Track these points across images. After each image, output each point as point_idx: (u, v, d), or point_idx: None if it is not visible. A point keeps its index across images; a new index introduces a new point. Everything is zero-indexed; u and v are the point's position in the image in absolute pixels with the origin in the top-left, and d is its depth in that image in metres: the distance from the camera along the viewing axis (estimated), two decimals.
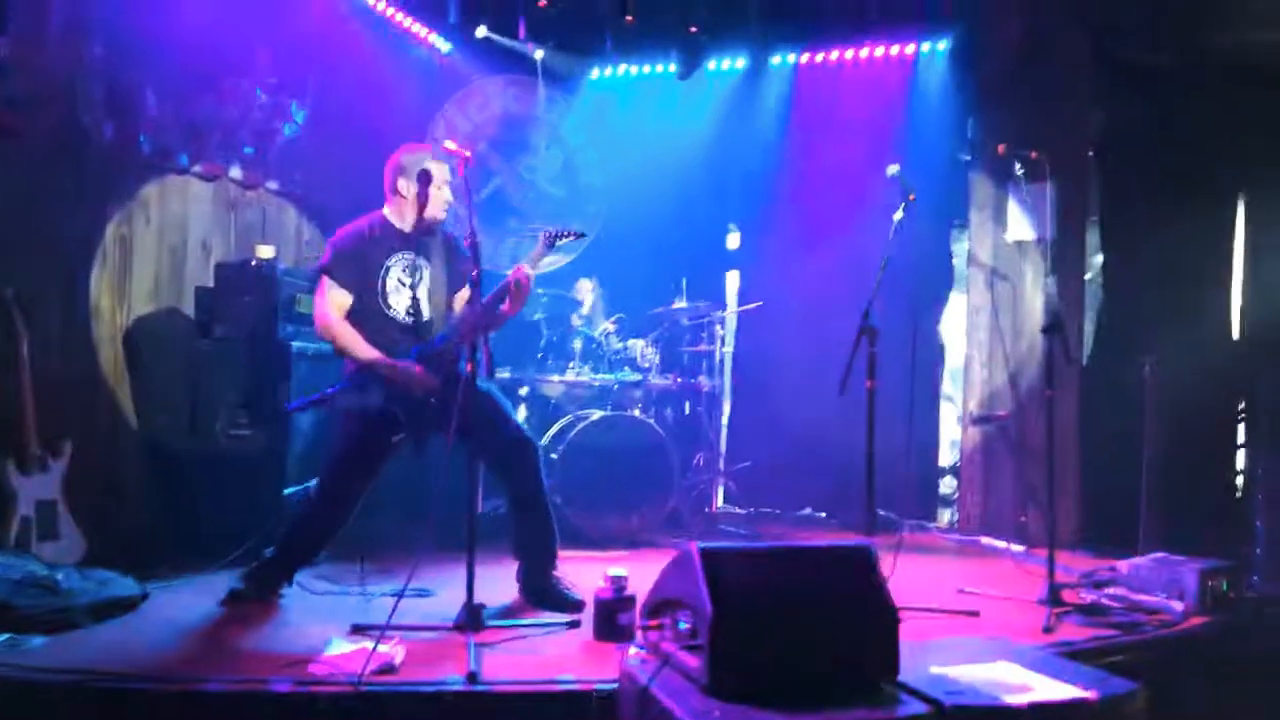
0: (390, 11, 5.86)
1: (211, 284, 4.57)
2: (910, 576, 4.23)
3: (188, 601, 3.49)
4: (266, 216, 5.20)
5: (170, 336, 4.50)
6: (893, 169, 3.76)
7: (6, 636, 2.90)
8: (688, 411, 6.06)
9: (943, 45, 6.04)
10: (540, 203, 6.67)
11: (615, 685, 2.57)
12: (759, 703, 2.19)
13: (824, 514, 6.22)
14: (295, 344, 4.41)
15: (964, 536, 5.56)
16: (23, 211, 3.91)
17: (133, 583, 3.44)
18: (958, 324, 6.04)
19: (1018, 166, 4.26)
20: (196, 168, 4.70)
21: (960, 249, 6.05)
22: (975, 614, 3.63)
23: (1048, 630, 3.35)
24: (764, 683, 2.25)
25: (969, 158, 5.75)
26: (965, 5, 5.73)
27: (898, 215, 3.73)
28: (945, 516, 6.10)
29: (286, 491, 4.19)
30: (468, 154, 3.31)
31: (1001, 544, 5.23)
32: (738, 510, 6.10)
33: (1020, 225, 5.42)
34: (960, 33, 5.90)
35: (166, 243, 4.60)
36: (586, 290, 5.94)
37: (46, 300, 4.02)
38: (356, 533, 4.16)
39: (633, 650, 2.73)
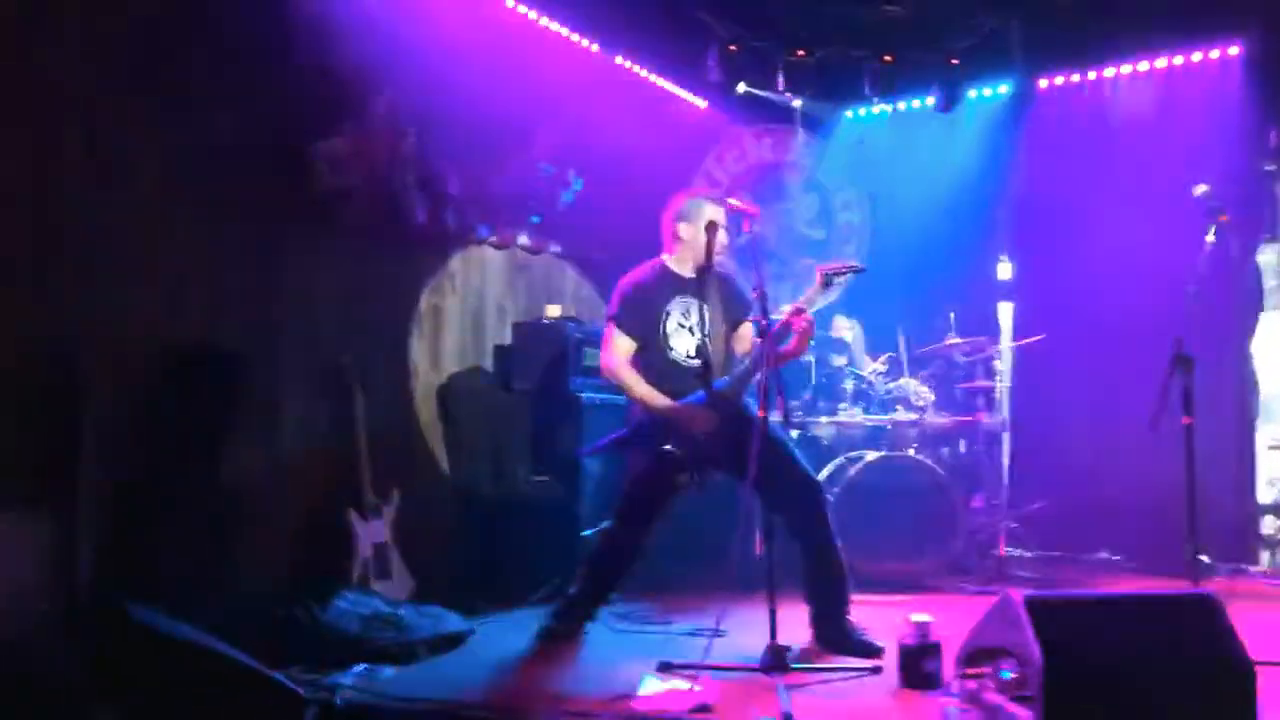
0: (653, 77, 6.18)
1: (508, 342, 4.98)
2: (1238, 626, 3.88)
3: (507, 637, 3.78)
4: (550, 277, 5.61)
5: (475, 392, 4.92)
6: (1200, 189, 3.53)
7: (364, 667, 3.26)
8: (964, 450, 5.86)
9: (1234, 50, 5.58)
10: (799, 245, 6.74)
11: None
12: None
13: (1120, 557, 5.79)
14: (584, 395, 4.71)
15: None
16: (356, 287, 4.45)
17: (460, 619, 3.78)
18: (1271, 347, 5.49)
19: None
20: (492, 238, 5.17)
21: (1269, 265, 5.52)
22: None
23: None
24: None
25: (1273, 167, 5.26)
26: (1255, 6, 5.29)
27: (1210, 237, 3.48)
28: (1269, 559, 5.51)
29: (584, 533, 4.44)
30: (755, 210, 3.42)
31: None
32: (1025, 554, 5.79)
33: None
34: (1255, 35, 5.43)
35: (469, 307, 5.07)
36: (845, 328, 5.91)
37: (375, 364, 4.53)
38: (649, 574, 4.36)
39: (947, 700, 2.70)
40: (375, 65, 4.40)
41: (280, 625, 3.41)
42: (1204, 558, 5.18)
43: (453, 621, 3.72)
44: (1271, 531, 5.59)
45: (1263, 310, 5.59)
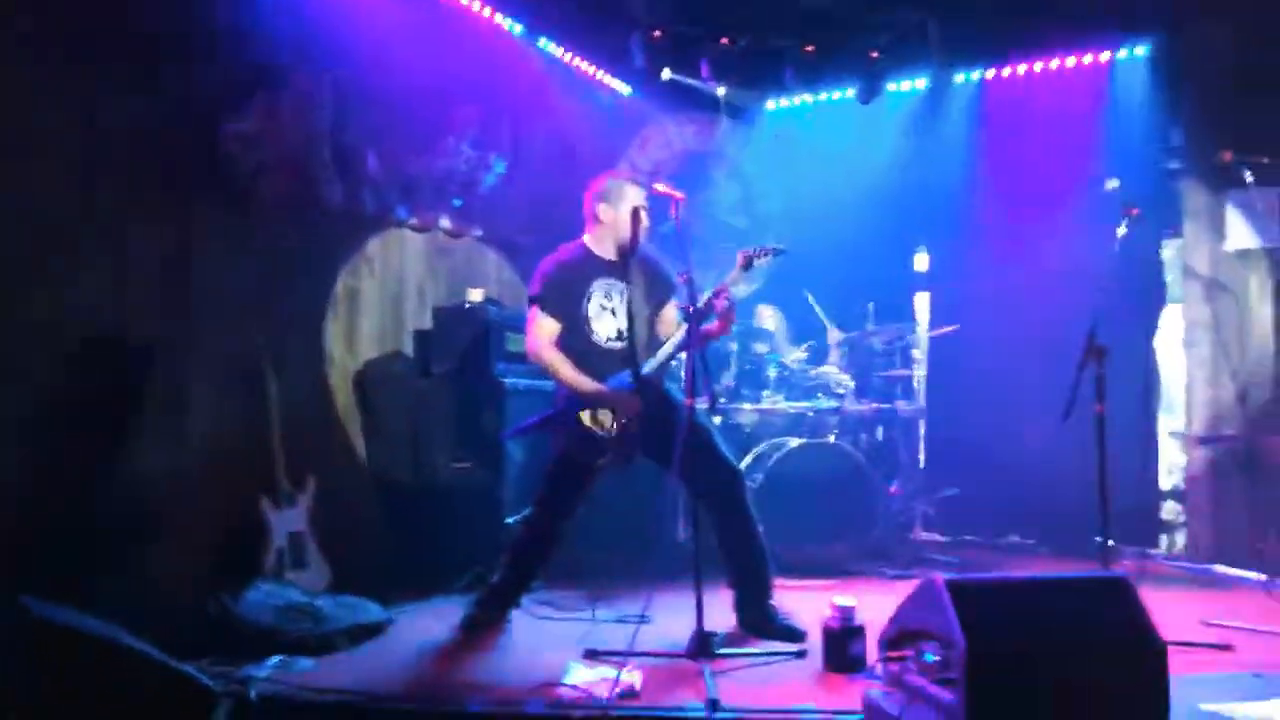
0: (577, 61, 6.11)
1: (429, 327, 4.88)
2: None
3: (428, 626, 3.70)
4: (471, 261, 5.50)
5: (394, 377, 4.80)
6: (1112, 183, 3.67)
7: (279, 659, 3.16)
8: (880, 437, 5.96)
9: (1141, 50, 5.77)
10: (721, 233, 6.76)
11: (859, 717, 2.56)
12: None
13: (1031, 541, 5.98)
14: (507, 380, 4.63)
15: (1193, 565, 5.23)
16: (269, 268, 4.29)
17: (379, 608, 3.68)
18: (1171, 339, 5.72)
19: (1247, 174, 4.01)
20: (412, 220, 5.04)
21: (1171, 261, 5.74)
22: (1229, 648, 3.40)
23: None
24: (1023, 716, 2.20)
25: (1178, 165, 5.46)
26: (1165, 8, 5.47)
27: (1121, 230, 3.59)
28: (1168, 543, 5.75)
29: (507, 520, 4.38)
30: (680, 195, 3.40)
31: (1237, 572, 4.90)
32: (939, 538, 5.94)
33: (1242, 233, 5.09)
34: (1161, 37, 5.62)
35: (388, 291, 4.94)
36: (768, 317, 5.96)
37: (289, 348, 4.37)
38: (572, 561, 4.33)
39: (870, 683, 2.73)
40: (291, 40, 4.26)
41: (191, 617, 3.28)
42: (1109, 541, 5.39)
43: (372, 611, 3.63)
44: (1170, 517, 5.83)
45: (1164, 303, 5.81)
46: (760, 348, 5.58)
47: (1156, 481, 5.83)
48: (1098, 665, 2.24)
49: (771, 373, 5.41)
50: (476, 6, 5.33)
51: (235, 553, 3.88)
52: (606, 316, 3.76)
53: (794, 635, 3.46)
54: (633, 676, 2.91)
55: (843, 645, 3.09)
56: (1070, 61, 5.99)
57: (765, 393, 5.40)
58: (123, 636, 2.48)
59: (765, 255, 3.71)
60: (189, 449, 3.93)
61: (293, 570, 3.98)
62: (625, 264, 3.75)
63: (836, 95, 6.56)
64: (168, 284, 3.86)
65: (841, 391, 5.42)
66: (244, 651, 3.15)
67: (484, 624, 3.70)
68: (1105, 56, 5.90)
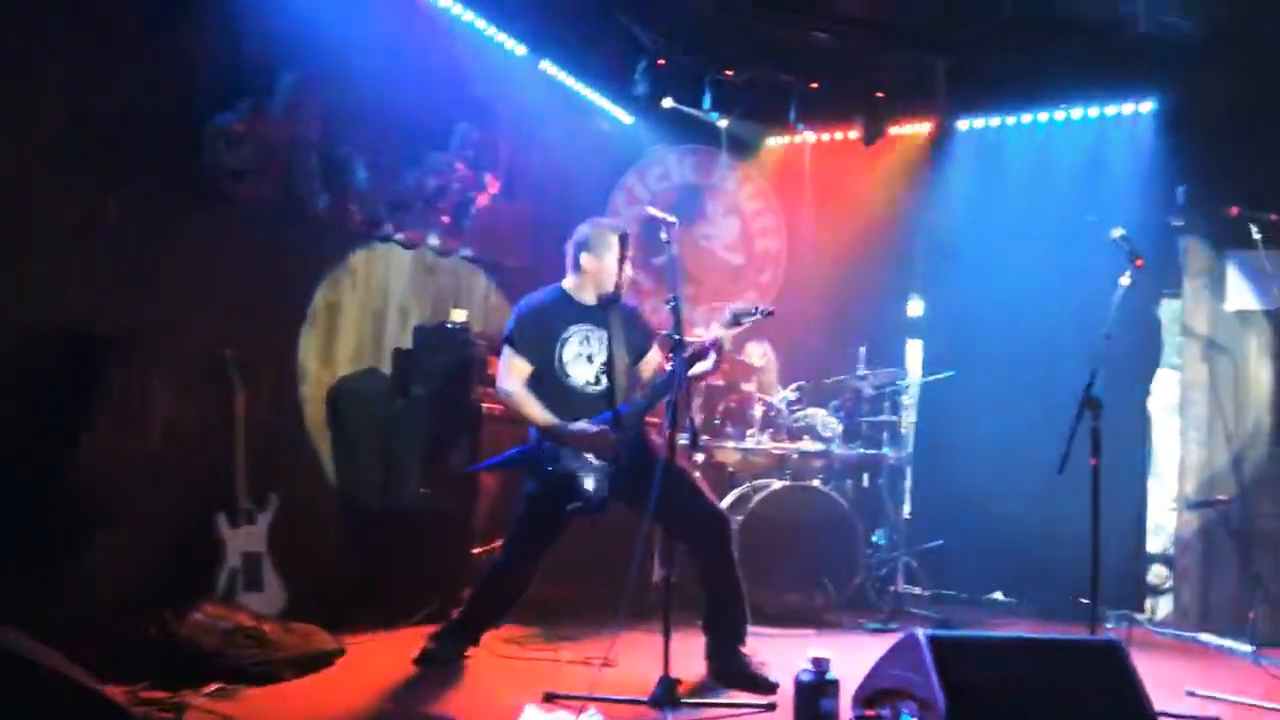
0: (579, 86, 6.03)
1: (409, 346, 4.73)
2: None
3: (382, 659, 3.53)
4: (459, 282, 5.37)
5: (369, 396, 4.66)
6: (1117, 231, 3.54)
7: (218, 686, 2.98)
8: (867, 484, 5.82)
9: (1147, 107, 5.70)
10: (716, 269, 6.67)
11: None
12: None
13: (1013, 599, 5.82)
14: (485, 405, 4.49)
15: (1180, 631, 5.08)
16: (243, 276, 4.17)
17: (330, 638, 3.50)
18: (1165, 399, 5.60)
19: (1255, 230, 3.92)
20: (399, 236, 4.91)
21: (1169, 319, 5.64)
22: None
23: None
24: None
25: (1180, 223, 5.37)
26: (1172, 66, 5.41)
27: (1125, 281, 3.48)
28: (1155, 608, 5.58)
29: (474, 551, 4.21)
30: (674, 220, 3.29)
31: (1225, 642, 4.74)
32: (920, 591, 5.76)
33: (1242, 294, 5.00)
34: (1168, 94, 5.56)
35: (369, 307, 4.81)
36: (757, 356, 5.83)
37: (260, 360, 4.23)
38: (539, 597, 4.14)
39: None
40: (284, 43, 4.17)
41: (128, 637, 3.10)
42: (1088, 601, 5.24)
43: (322, 640, 3.44)
44: (1157, 581, 5.67)
45: (1160, 361, 5.69)
46: (747, 386, 5.45)
47: (1144, 544, 5.67)
48: None
49: (757, 412, 5.26)
50: (480, 24, 5.25)
51: (184, 570, 3.71)
52: (583, 362, 3.66)
53: (764, 686, 3.31)
54: None
55: (814, 700, 2.91)
56: (1076, 114, 5.93)
57: (750, 432, 5.25)
58: (33, 652, 2.29)
59: (753, 316, 3.65)
60: (143, 457, 3.78)
61: (245, 592, 3.81)
62: (605, 310, 3.67)
63: (839, 134, 6.49)
64: (135, 280, 3.74)
65: (828, 435, 5.28)
66: (183, 676, 2.96)
67: (441, 660, 3.53)
68: (1111, 110, 5.84)
